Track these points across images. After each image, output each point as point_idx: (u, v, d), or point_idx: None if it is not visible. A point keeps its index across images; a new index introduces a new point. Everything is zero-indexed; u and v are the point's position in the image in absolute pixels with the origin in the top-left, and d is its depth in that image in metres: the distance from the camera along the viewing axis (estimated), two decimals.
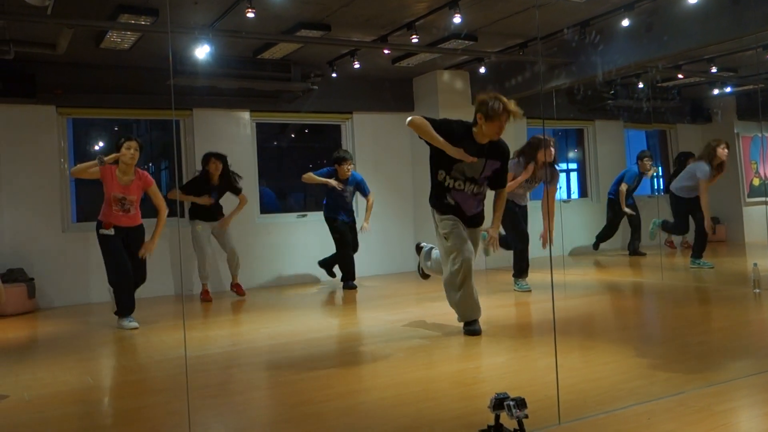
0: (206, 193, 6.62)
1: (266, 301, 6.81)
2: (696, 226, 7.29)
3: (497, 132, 4.26)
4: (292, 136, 9.69)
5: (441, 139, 4.21)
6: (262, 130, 8.22)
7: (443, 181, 4.40)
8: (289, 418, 2.93)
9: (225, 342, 4.71)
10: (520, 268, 6.27)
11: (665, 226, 7.69)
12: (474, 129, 4.32)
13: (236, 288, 6.90)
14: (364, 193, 7.25)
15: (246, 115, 7.82)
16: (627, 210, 8.61)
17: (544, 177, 6.17)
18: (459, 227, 4.39)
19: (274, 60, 7.13)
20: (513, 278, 6.34)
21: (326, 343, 4.59)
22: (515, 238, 6.27)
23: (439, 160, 4.37)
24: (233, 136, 7.72)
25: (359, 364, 3.95)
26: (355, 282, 7.17)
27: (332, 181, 6.95)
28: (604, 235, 9.06)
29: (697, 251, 7.26)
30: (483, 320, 4.83)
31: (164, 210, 5.41)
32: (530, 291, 6.14)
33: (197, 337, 4.88)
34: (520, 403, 2.34)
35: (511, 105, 4.24)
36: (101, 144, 9.29)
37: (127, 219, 5.24)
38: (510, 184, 5.72)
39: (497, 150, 4.41)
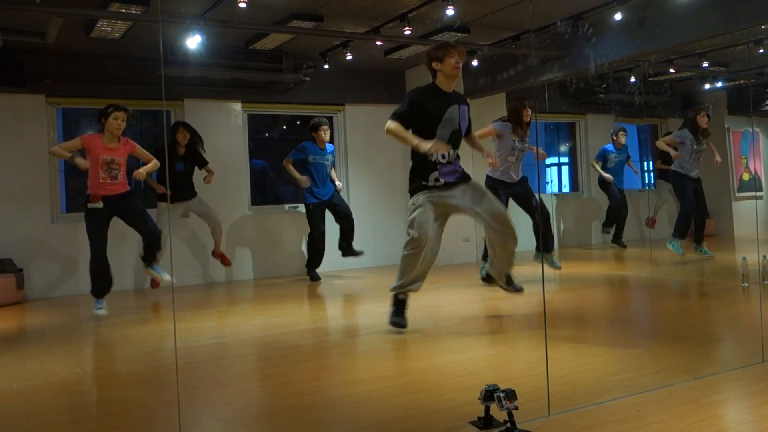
0: (173, 163, 6.60)
1: (256, 292, 6.80)
2: (694, 214, 7.19)
3: (455, 67, 4.29)
4: (284, 127, 9.65)
5: (413, 139, 4.22)
6: (253, 121, 8.18)
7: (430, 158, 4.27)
8: (279, 409, 2.93)
9: (215, 333, 4.70)
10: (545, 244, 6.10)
11: (682, 227, 7.21)
12: (436, 81, 4.39)
13: (221, 257, 6.93)
14: (332, 165, 7.31)
15: (237, 106, 7.78)
16: (605, 175, 8.71)
17: (527, 137, 6.17)
18: (429, 205, 4.30)
19: (266, 51, 7.09)
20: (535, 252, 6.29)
21: (316, 335, 4.59)
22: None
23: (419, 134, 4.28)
24: (224, 126, 7.68)
25: (349, 355, 3.95)
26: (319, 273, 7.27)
27: (302, 178, 7.02)
28: (607, 220, 9.08)
29: (699, 238, 7.18)
30: (474, 312, 4.84)
31: (155, 160, 5.57)
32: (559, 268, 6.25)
33: (187, 329, 4.86)
34: (510, 395, 2.35)
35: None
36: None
37: (115, 186, 5.22)
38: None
39: (460, 95, 4.50)
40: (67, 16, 5.49)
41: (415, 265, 4.26)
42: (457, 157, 4.40)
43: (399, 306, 4.34)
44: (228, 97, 7.69)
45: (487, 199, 4.37)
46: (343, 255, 7.32)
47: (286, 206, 8.17)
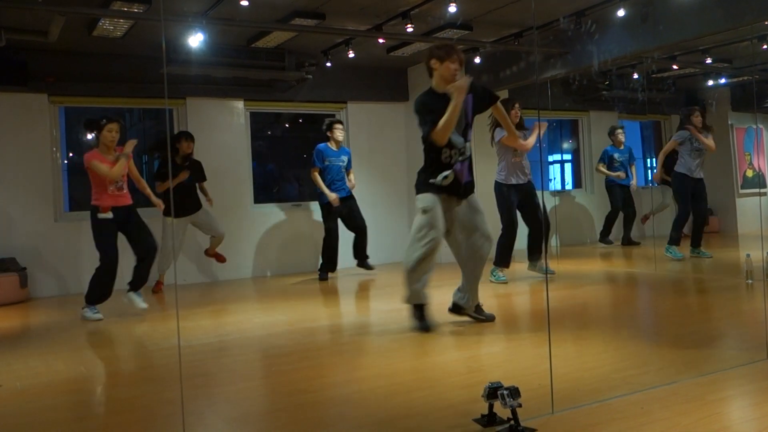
0: (178, 172, 6.53)
1: (259, 290, 6.80)
2: (693, 215, 7.24)
3: (453, 73, 4.17)
4: (286, 125, 9.66)
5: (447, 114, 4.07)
6: (255, 119, 8.18)
7: (446, 156, 4.21)
8: (283, 407, 2.93)
9: (218, 332, 4.70)
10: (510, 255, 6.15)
11: (675, 235, 7.17)
12: (432, 83, 4.27)
13: (215, 256, 6.94)
14: (348, 167, 7.25)
15: (240, 105, 7.78)
16: (613, 174, 8.71)
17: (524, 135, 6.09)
18: (439, 206, 4.23)
19: (268, 49, 7.09)
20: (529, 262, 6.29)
21: (320, 333, 4.59)
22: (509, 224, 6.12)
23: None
24: (227, 125, 7.68)
25: (353, 353, 3.95)
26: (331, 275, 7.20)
27: (331, 195, 6.91)
28: (604, 229, 8.98)
29: (696, 240, 7.22)
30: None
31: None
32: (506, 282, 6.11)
33: (190, 327, 4.87)
34: (514, 392, 2.35)
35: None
36: (94, 133, 9.23)
37: (122, 198, 5.25)
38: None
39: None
40: (69, 14, 5.49)
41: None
42: (470, 159, 4.34)
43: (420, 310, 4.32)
44: (230, 95, 7.68)
45: (481, 216, 4.35)
46: (358, 265, 7.32)
47: (290, 204, 8.16)
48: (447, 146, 4.20)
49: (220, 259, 6.99)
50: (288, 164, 9.83)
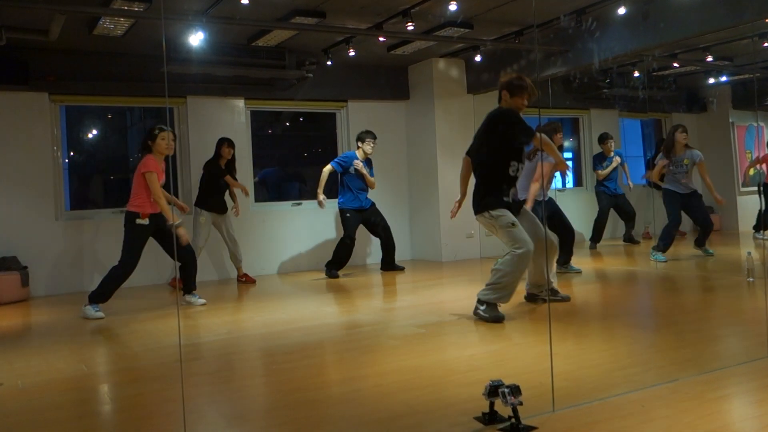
0: (218, 177, 6.76)
1: (261, 289, 6.80)
2: (698, 226, 7.29)
3: (521, 108, 4.50)
4: (287, 124, 9.65)
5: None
6: (256, 117, 8.18)
7: (510, 171, 4.51)
8: (284, 405, 2.93)
9: (220, 330, 4.70)
10: None
11: (662, 243, 7.12)
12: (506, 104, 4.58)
13: (245, 277, 7.12)
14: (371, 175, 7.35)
15: (240, 103, 7.78)
16: (605, 172, 8.72)
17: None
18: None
19: (269, 47, 7.09)
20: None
21: (321, 331, 4.59)
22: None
23: (510, 151, 4.51)
24: (227, 124, 7.68)
25: (354, 351, 3.95)
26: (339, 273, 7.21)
27: (320, 196, 7.10)
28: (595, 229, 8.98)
29: (701, 242, 7.26)
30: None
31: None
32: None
33: (192, 325, 4.88)
34: (515, 391, 2.35)
35: (530, 82, 4.62)
36: (94, 132, 9.23)
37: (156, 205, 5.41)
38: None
39: None
40: (69, 13, 5.50)
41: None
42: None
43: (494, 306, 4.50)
44: (231, 93, 7.68)
45: (532, 219, 4.74)
46: (385, 270, 7.43)
47: (290, 203, 8.16)
48: (515, 159, 4.51)
49: (250, 280, 7.10)
50: (288, 163, 9.83)
